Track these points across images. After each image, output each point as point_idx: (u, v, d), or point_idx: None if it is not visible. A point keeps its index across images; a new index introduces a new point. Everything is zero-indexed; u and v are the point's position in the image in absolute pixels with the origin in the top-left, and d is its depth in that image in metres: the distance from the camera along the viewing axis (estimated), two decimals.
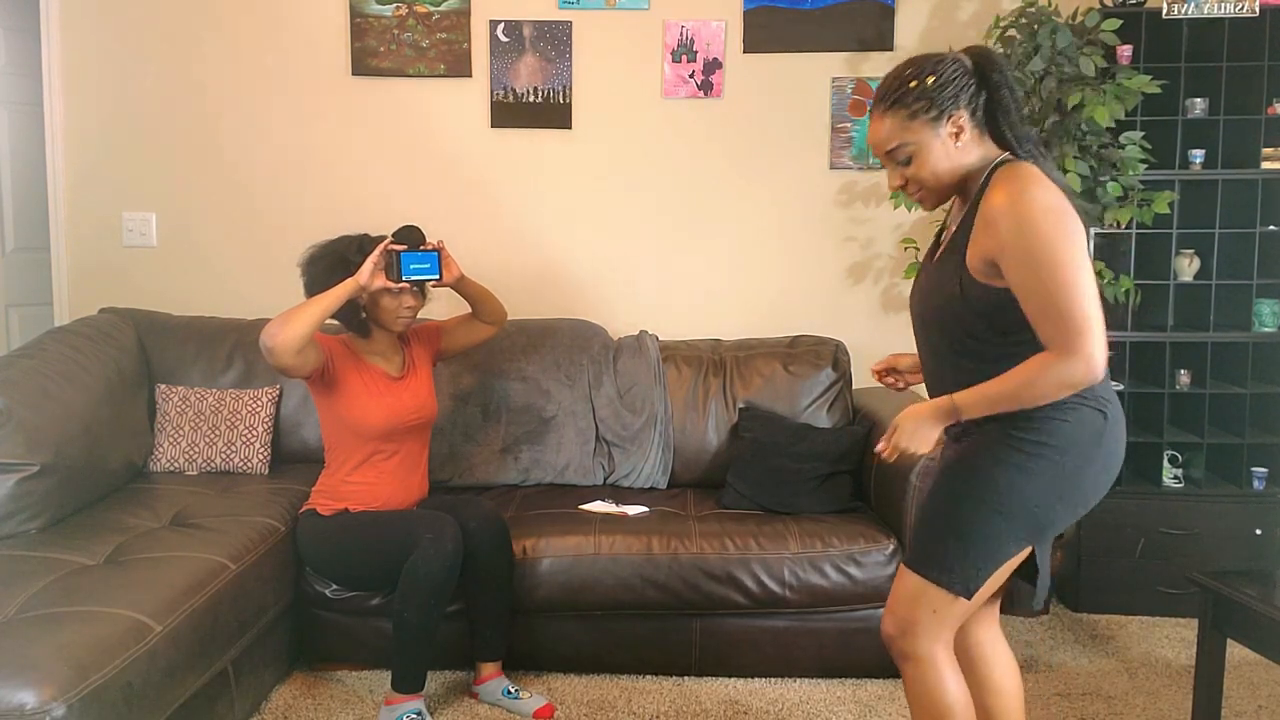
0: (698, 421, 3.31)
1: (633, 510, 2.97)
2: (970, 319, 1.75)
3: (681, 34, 3.60)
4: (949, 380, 1.81)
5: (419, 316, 2.86)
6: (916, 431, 1.78)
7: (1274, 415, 3.37)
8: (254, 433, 3.17)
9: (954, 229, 1.82)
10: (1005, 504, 1.73)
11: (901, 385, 2.09)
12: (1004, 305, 1.70)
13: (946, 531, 1.77)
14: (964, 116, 1.75)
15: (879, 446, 1.82)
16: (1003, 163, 1.75)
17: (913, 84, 1.75)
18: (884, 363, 2.11)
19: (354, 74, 3.65)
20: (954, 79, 1.74)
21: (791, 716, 2.65)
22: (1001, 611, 2.04)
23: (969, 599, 1.77)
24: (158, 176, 3.72)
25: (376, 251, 2.57)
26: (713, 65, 3.60)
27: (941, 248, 1.86)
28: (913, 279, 1.85)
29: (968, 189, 1.80)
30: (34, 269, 4.11)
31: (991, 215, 1.67)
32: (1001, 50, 3.20)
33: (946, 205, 1.94)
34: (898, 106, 1.76)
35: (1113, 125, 3.04)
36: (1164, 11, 3.22)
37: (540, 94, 3.63)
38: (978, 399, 1.73)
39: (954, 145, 1.76)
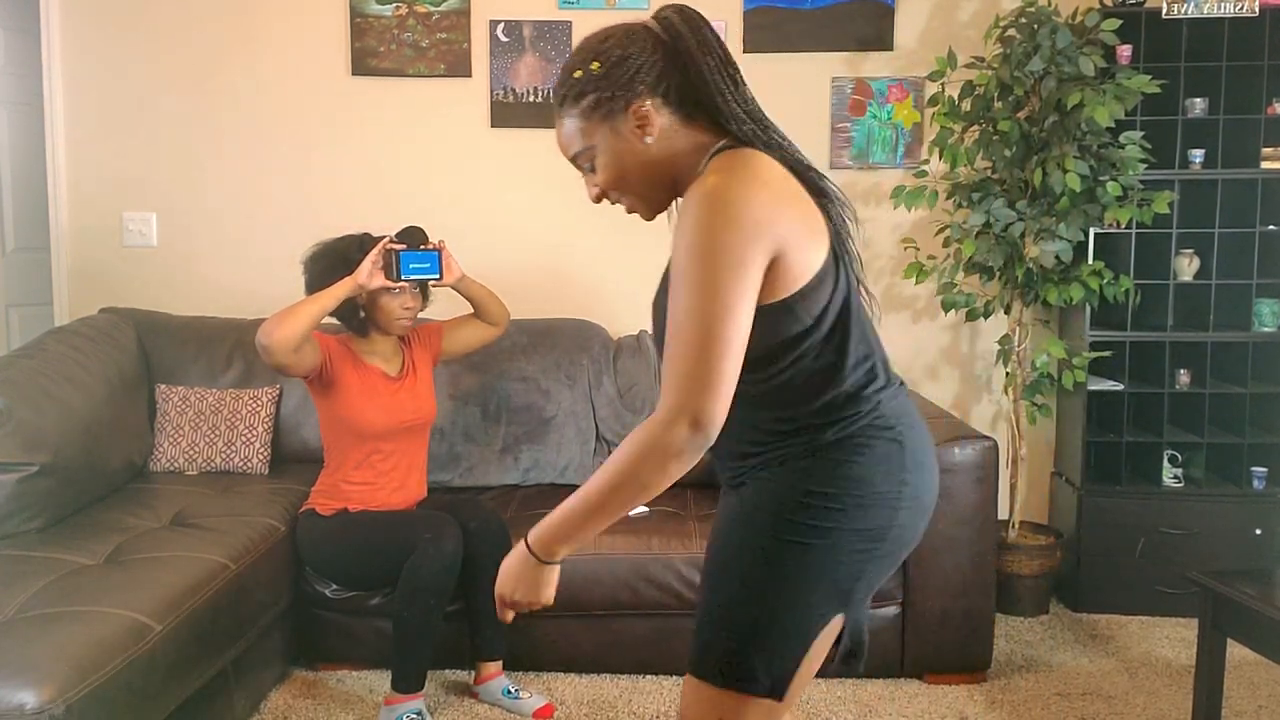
0: None
1: (633, 510, 2.96)
2: None
3: None
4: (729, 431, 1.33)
5: (420, 317, 2.85)
6: (520, 582, 1.41)
7: (1274, 415, 3.37)
8: (254, 433, 3.17)
9: None
10: (802, 583, 1.37)
11: None
12: (762, 321, 1.31)
13: (735, 628, 1.39)
14: (648, 104, 1.38)
15: (499, 610, 1.46)
16: (722, 149, 1.39)
17: (577, 74, 1.40)
18: None
19: (354, 74, 3.64)
20: (627, 60, 1.38)
21: (791, 717, 2.65)
22: (819, 675, 1.63)
23: (781, 699, 1.37)
24: (158, 176, 3.72)
25: (376, 250, 2.57)
26: None
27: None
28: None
29: (687, 180, 1.41)
30: (34, 269, 4.11)
31: (681, 211, 1.33)
32: (1001, 50, 3.20)
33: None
34: (569, 105, 1.42)
35: (1112, 125, 3.04)
36: (1164, 11, 3.22)
37: (540, 94, 3.63)
38: (570, 514, 1.35)
39: (641, 141, 1.40)
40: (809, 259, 1.33)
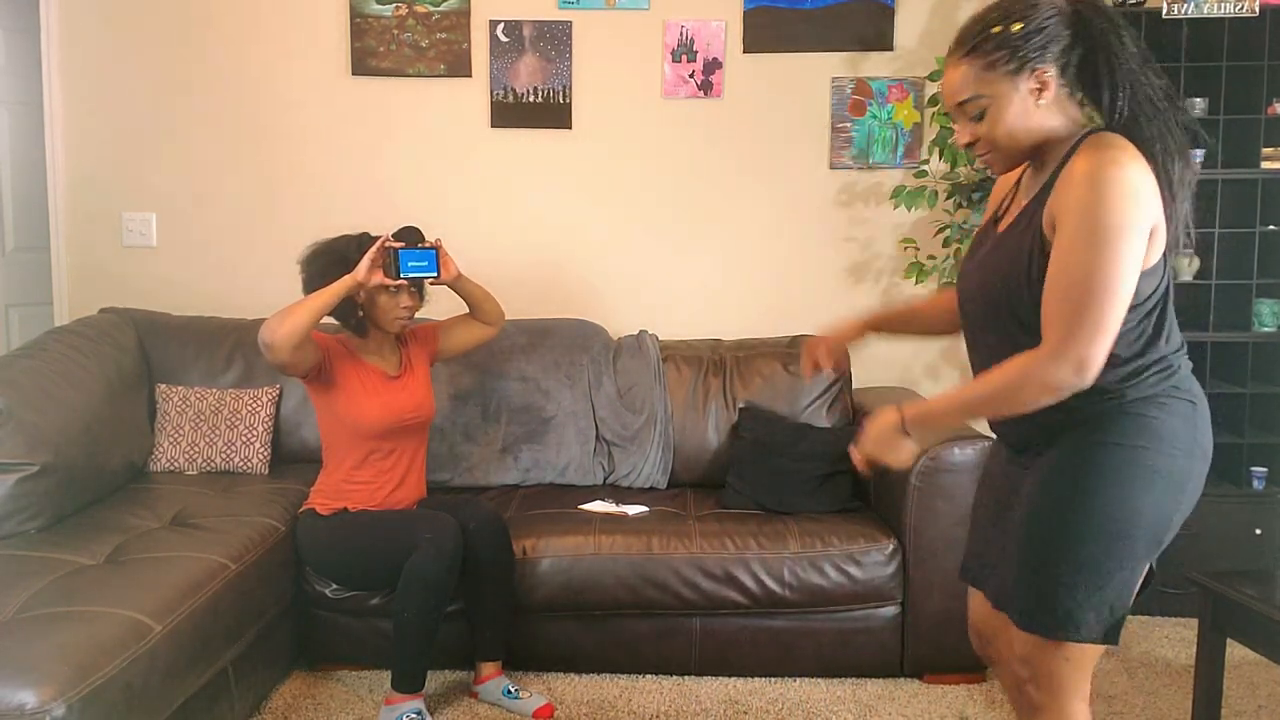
0: (698, 421, 3.31)
1: (633, 510, 2.97)
2: (1028, 307, 1.53)
3: (681, 34, 3.60)
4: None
5: (417, 317, 2.85)
6: (880, 441, 1.63)
7: (1274, 415, 3.37)
8: (254, 433, 3.17)
9: (1025, 201, 1.61)
10: (1125, 528, 1.53)
11: (832, 372, 1.90)
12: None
13: (1066, 579, 1.55)
14: (1050, 71, 1.52)
15: (855, 458, 1.68)
16: (1094, 131, 1.54)
17: (995, 29, 1.53)
18: (808, 358, 1.99)
19: (354, 74, 3.64)
20: (1044, 28, 1.51)
21: (791, 716, 2.65)
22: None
23: (1116, 643, 1.57)
24: (158, 176, 3.72)
25: (374, 248, 2.57)
26: (713, 65, 3.60)
27: (1006, 220, 1.66)
28: (961, 258, 1.68)
29: (1046, 158, 1.59)
30: (34, 269, 4.11)
31: (1073, 177, 1.48)
32: None
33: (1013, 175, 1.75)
34: (975, 54, 1.54)
35: None
36: (1164, 11, 3.22)
37: (540, 94, 3.63)
38: (948, 407, 1.59)
39: (1034, 104, 1.54)
40: (1162, 236, 1.51)
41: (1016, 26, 1.51)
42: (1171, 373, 1.58)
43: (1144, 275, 1.50)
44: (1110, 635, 1.56)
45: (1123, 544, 1.54)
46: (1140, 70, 1.53)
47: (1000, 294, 1.59)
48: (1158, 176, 1.50)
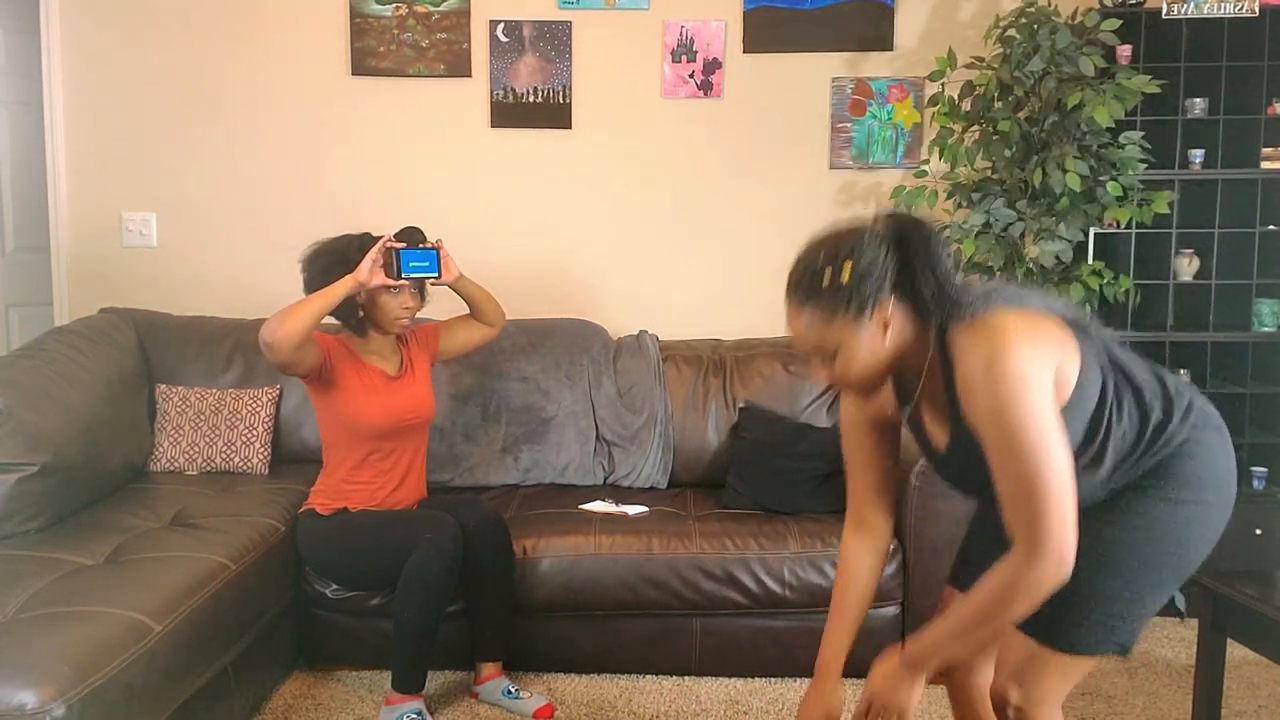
0: (698, 421, 3.31)
1: (633, 510, 2.97)
2: None
3: (681, 34, 3.60)
4: None
5: (417, 317, 2.85)
6: (887, 686, 1.62)
7: (1274, 415, 3.37)
8: (254, 433, 3.17)
9: (931, 407, 1.62)
10: (1169, 568, 1.61)
11: None
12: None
13: (1107, 609, 1.61)
14: (890, 304, 1.51)
15: (861, 708, 1.66)
16: (948, 326, 1.52)
17: (824, 279, 1.50)
18: None
19: (354, 74, 3.64)
20: (873, 266, 1.49)
21: (791, 716, 2.65)
22: None
23: (1126, 655, 1.65)
24: (158, 176, 3.72)
25: (376, 248, 2.57)
26: (712, 65, 3.60)
27: (929, 417, 1.66)
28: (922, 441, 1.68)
29: (911, 363, 1.58)
30: (34, 269, 4.10)
31: (971, 386, 1.47)
32: (1001, 50, 3.20)
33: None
34: (813, 304, 1.52)
35: (1112, 125, 3.04)
36: (1164, 11, 3.22)
37: (540, 94, 3.63)
38: (945, 638, 1.55)
39: (882, 341, 1.52)
40: (1071, 361, 1.52)
41: (846, 273, 1.49)
42: (1186, 414, 1.61)
43: (1079, 394, 1.52)
44: (1125, 650, 1.63)
45: (1161, 580, 1.61)
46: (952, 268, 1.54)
47: (986, 472, 1.54)
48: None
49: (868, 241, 1.51)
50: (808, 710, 1.81)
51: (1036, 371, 1.44)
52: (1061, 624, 1.60)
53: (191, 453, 3.14)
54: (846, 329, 1.51)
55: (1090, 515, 1.57)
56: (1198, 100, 3.30)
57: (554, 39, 3.60)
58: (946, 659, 1.58)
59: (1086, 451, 1.57)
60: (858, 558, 1.83)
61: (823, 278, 1.50)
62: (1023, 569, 1.44)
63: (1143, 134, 3.12)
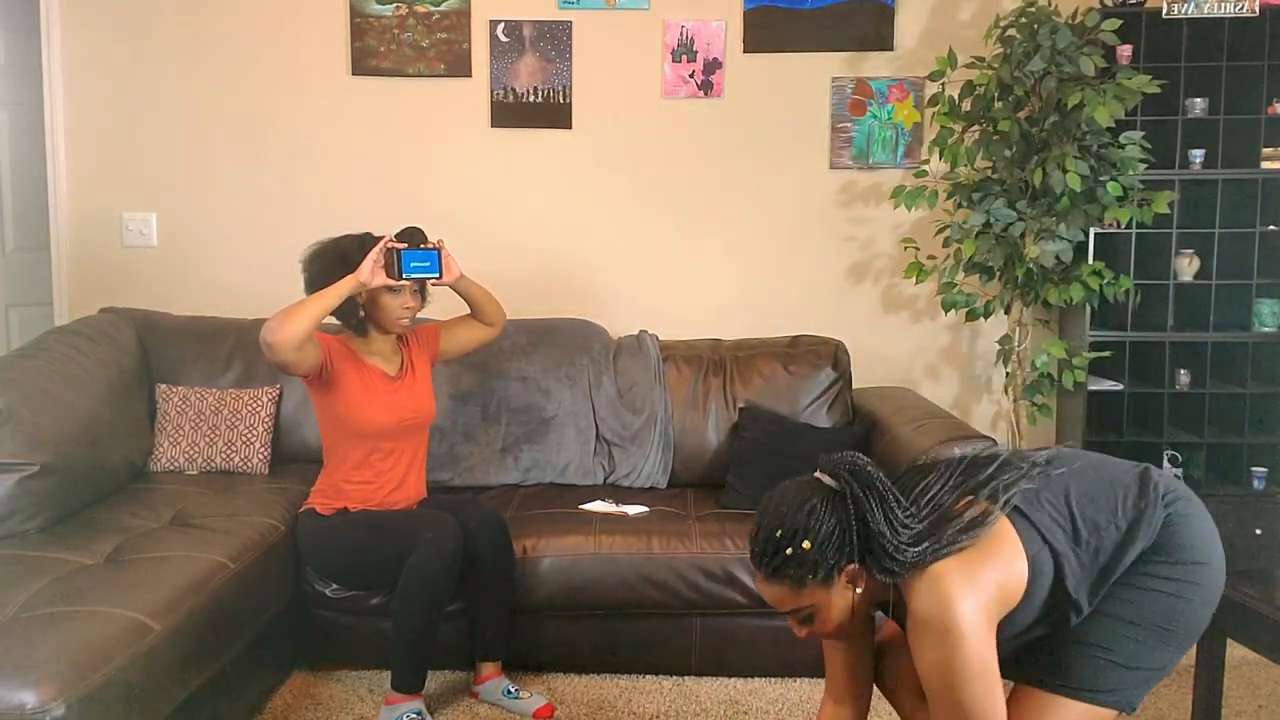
0: (698, 421, 3.31)
1: (633, 510, 2.97)
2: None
3: (681, 34, 3.60)
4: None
5: (418, 317, 2.85)
6: None
7: (1274, 415, 3.37)
8: (254, 432, 3.17)
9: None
10: (1176, 631, 1.67)
11: None
12: (1023, 617, 1.63)
13: (1117, 659, 1.66)
14: (854, 564, 1.58)
15: None
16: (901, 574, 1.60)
17: (787, 550, 1.57)
18: None
19: (354, 74, 3.65)
20: (832, 533, 1.57)
21: (791, 716, 2.65)
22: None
23: (1132, 711, 1.71)
24: (158, 176, 3.72)
25: (377, 248, 2.57)
26: (713, 65, 3.60)
27: None
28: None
29: (879, 599, 1.67)
30: (34, 269, 4.10)
31: (914, 638, 1.57)
32: (1001, 50, 3.20)
33: None
34: (781, 577, 1.60)
35: (1113, 125, 3.04)
36: (1164, 11, 3.22)
37: (540, 94, 3.63)
38: None
39: (854, 594, 1.61)
40: (1016, 571, 1.60)
41: (806, 545, 1.56)
42: (1155, 500, 1.67)
43: (1033, 584, 1.61)
44: (1134, 705, 1.67)
45: (1169, 645, 1.66)
46: (901, 511, 1.58)
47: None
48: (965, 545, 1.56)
49: (820, 509, 1.58)
50: None
51: (976, 629, 1.53)
52: (1074, 672, 1.66)
53: (191, 453, 3.14)
54: (817, 593, 1.60)
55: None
56: (1198, 100, 3.30)
57: (554, 39, 3.60)
58: None
59: (1060, 610, 1.65)
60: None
61: (784, 553, 1.58)
62: None
63: (1143, 134, 3.12)
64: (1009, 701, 1.68)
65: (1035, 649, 1.71)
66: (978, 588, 1.55)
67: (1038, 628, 1.67)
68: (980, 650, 1.53)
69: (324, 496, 2.73)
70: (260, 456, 3.15)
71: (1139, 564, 1.66)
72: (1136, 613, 1.65)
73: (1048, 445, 2.85)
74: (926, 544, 1.56)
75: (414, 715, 2.52)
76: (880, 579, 1.59)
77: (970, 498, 1.61)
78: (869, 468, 1.63)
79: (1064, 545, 1.64)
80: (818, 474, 1.66)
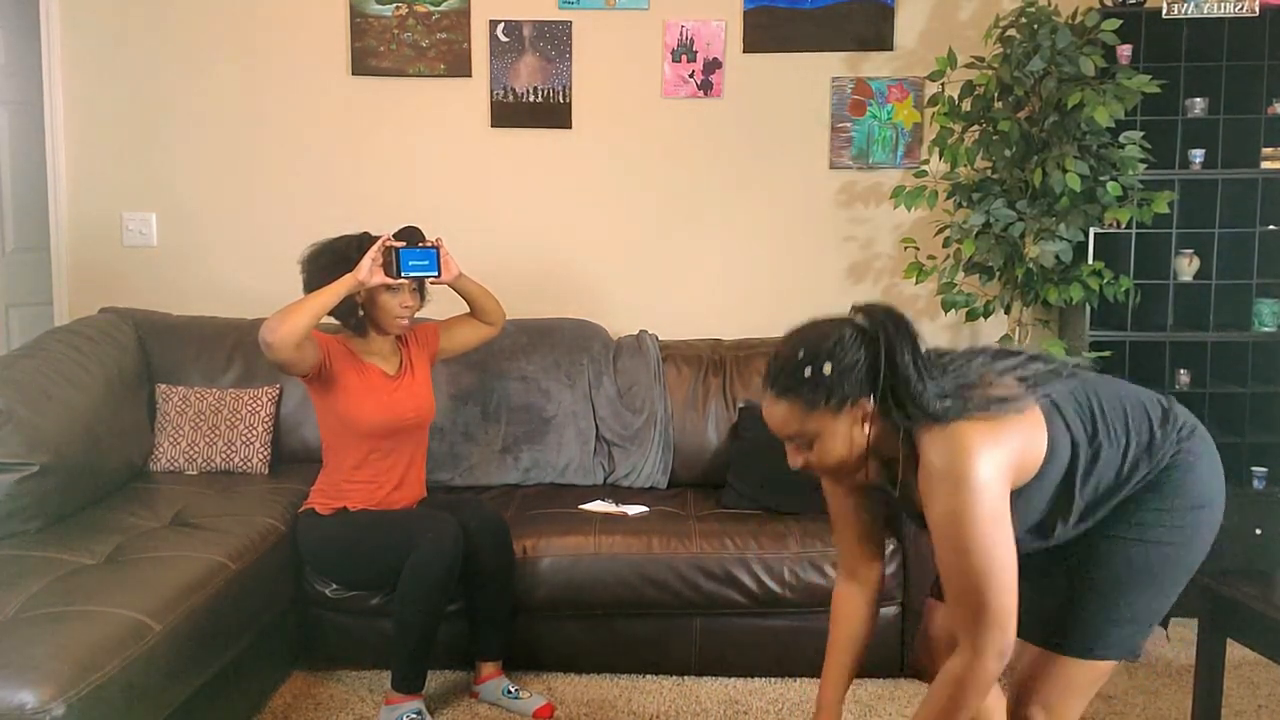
0: (698, 421, 3.31)
1: (633, 510, 2.97)
2: None
3: (681, 34, 3.60)
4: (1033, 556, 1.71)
5: (417, 316, 2.85)
6: None
7: (1274, 415, 3.37)
8: (254, 432, 3.17)
9: (910, 489, 1.65)
10: (1173, 577, 1.69)
11: None
12: (1029, 497, 1.62)
13: (1118, 616, 1.68)
14: (870, 401, 1.57)
15: None
16: (918, 427, 1.57)
17: (806, 371, 1.56)
18: None
19: (354, 74, 3.64)
20: (855, 364, 1.55)
21: (791, 716, 2.65)
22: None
23: (1137, 658, 1.74)
24: (158, 176, 3.72)
25: (375, 247, 2.57)
26: (713, 65, 3.60)
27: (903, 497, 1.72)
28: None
29: (891, 452, 1.63)
30: (34, 269, 4.10)
31: (930, 477, 1.54)
32: (1001, 50, 3.20)
33: None
34: (792, 396, 1.58)
35: (1112, 125, 3.04)
36: (1164, 11, 3.22)
37: (540, 94, 3.63)
38: None
39: (861, 432, 1.59)
40: (1036, 444, 1.60)
41: (828, 368, 1.54)
42: (1170, 430, 1.68)
43: (1048, 464, 1.61)
44: (1139, 650, 1.70)
45: (1167, 588, 1.69)
46: (931, 367, 1.58)
47: None
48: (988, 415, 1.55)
49: (849, 340, 1.56)
50: None
51: (991, 483, 1.51)
52: (1076, 632, 1.68)
53: (191, 453, 3.14)
54: (825, 421, 1.57)
55: (1090, 532, 1.69)
56: (1198, 100, 3.30)
57: (554, 39, 3.60)
58: None
59: (1058, 509, 1.65)
60: (852, 608, 1.89)
61: (802, 372, 1.56)
62: (969, 668, 1.54)
63: (1143, 134, 3.12)
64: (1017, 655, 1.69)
65: (1034, 598, 1.69)
66: (999, 446, 1.53)
67: (1033, 539, 1.67)
68: (994, 502, 1.51)
69: (324, 496, 2.73)
70: (260, 456, 3.15)
71: (1136, 509, 1.66)
72: (1128, 569, 1.66)
73: None
74: (951, 401, 1.55)
75: (414, 715, 2.52)
76: (896, 423, 1.57)
77: (1002, 378, 1.61)
78: (906, 317, 1.59)
79: (1082, 438, 1.63)
80: (851, 313, 1.63)
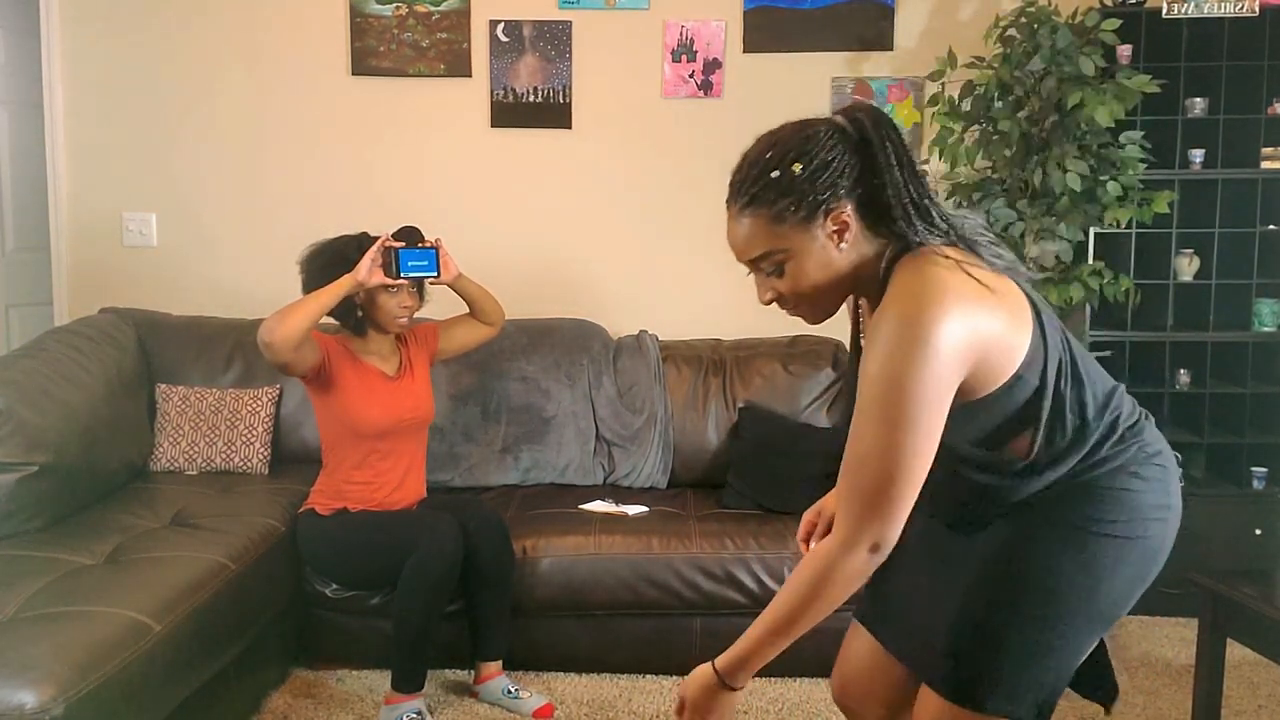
0: (698, 421, 3.31)
1: (633, 510, 2.97)
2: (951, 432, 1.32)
3: (681, 34, 3.60)
4: (961, 493, 1.44)
5: (416, 317, 2.85)
6: (700, 706, 1.43)
7: (1274, 415, 3.37)
8: (254, 433, 3.17)
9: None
10: (1083, 610, 1.39)
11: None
12: (983, 412, 1.35)
13: (1006, 654, 1.40)
14: (847, 209, 1.32)
15: None
16: (901, 254, 1.33)
17: (774, 174, 1.32)
18: (806, 527, 1.71)
19: (354, 74, 3.64)
20: (829, 163, 1.31)
21: (791, 716, 2.65)
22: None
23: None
24: (158, 176, 3.72)
25: (375, 247, 2.57)
26: (713, 65, 3.60)
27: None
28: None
29: (867, 286, 1.38)
30: (34, 269, 4.10)
31: (879, 326, 1.28)
32: (1001, 50, 3.20)
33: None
34: (756, 205, 1.33)
35: (1113, 125, 3.03)
36: (1164, 11, 3.22)
37: (540, 94, 3.63)
38: (760, 641, 1.37)
39: (836, 248, 1.33)
40: (1015, 343, 1.33)
41: (797, 167, 1.30)
42: (1135, 435, 1.45)
43: (1017, 381, 1.34)
44: (1043, 715, 1.42)
45: (1088, 626, 1.41)
46: (916, 178, 1.35)
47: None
48: (982, 269, 1.33)
49: (824, 136, 1.33)
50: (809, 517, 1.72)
51: (951, 351, 1.25)
52: (977, 681, 1.41)
53: (191, 453, 3.14)
54: (795, 235, 1.33)
55: (1009, 549, 1.43)
56: (1198, 100, 3.30)
57: (554, 39, 3.60)
58: (763, 662, 1.40)
59: (1004, 446, 1.40)
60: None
61: (769, 174, 1.32)
62: (838, 555, 1.31)
63: (1143, 134, 3.12)
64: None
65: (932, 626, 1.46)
66: (976, 316, 1.27)
67: (977, 470, 1.41)
68: (943, 374, 1.25)
69: (324, 497, 2.73)
70: (260, 456, 3.15)
71: (1071, 519, 1.39)
72: (1053, 595, 1.39)
73: None
74: (943, 224, 1.34)
75: (414, 715, 2.52)
76: (879, 240, 1.35)
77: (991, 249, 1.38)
78: (894, 122, 1.35)
79: (1052, 371, 1.38)
80: (832, 115, 1.39)
